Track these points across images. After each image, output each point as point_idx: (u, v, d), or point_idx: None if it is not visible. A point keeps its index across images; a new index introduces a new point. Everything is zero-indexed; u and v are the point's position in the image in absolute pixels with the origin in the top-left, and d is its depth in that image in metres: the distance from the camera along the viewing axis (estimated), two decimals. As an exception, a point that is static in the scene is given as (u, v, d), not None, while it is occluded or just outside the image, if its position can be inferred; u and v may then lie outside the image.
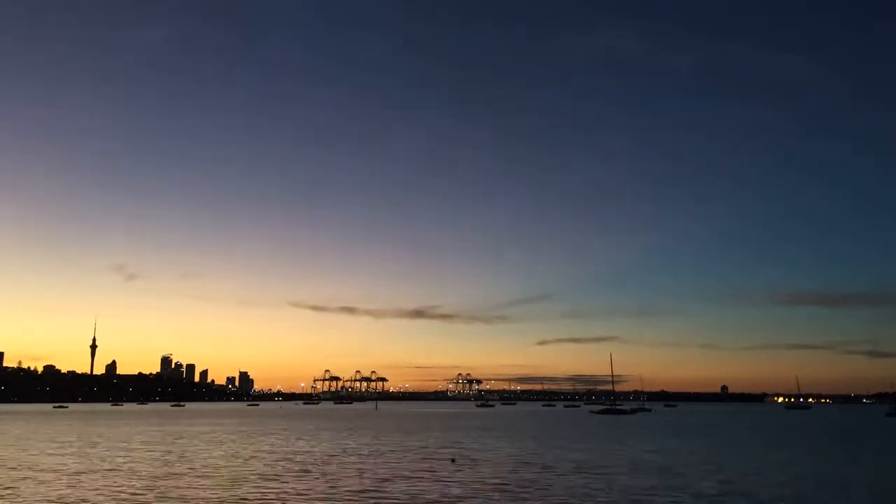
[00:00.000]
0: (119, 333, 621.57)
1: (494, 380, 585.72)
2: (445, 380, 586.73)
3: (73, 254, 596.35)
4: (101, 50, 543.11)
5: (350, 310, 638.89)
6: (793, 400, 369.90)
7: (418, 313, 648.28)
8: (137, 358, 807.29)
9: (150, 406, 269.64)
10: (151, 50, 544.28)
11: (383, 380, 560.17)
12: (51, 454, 44.86)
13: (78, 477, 32.25)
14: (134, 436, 66.65)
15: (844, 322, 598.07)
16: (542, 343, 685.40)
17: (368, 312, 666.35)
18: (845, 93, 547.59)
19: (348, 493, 27.16)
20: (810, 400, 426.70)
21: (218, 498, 25.88)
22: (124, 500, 25.54)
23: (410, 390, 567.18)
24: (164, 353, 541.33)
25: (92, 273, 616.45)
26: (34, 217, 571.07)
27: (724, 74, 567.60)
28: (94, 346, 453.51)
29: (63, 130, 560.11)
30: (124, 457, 43.00)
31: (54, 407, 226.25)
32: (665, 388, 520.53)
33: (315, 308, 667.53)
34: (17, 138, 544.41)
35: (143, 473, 33.60)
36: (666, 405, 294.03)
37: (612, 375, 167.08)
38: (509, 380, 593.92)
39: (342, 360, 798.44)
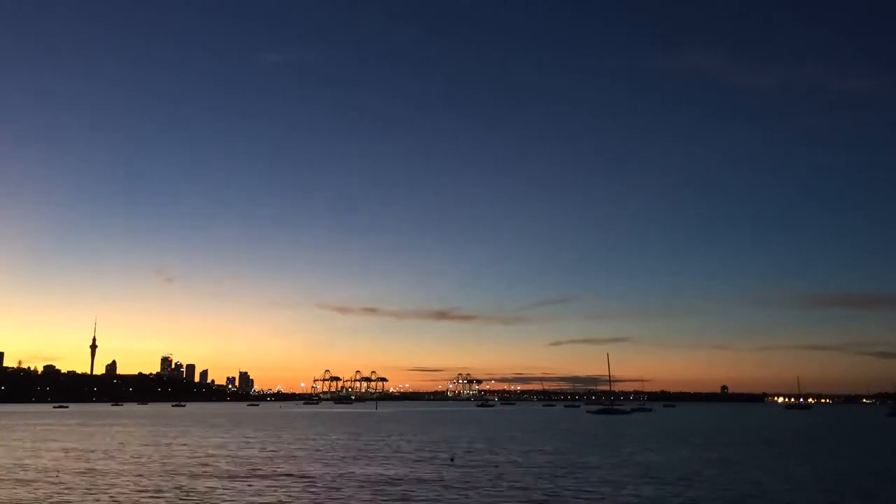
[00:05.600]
0: (155, 334, 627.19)
1: (495, 380, 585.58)
2: (446, 380, 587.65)
3: (77, 254, 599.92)
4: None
5: (372, 310, 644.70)
6: (792, 400, 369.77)
7: (441, 314, 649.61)
8: (137, 358, 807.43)
9: (150, 406, 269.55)
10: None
11: (383, 380, 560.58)
12: None
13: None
14: None
15: (857, 323, 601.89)
16: (554, 344, 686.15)
17: (390, 314, 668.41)
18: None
19: None
20: (810, 400, 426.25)
21: None
22: None
23: (410, 390, 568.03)
24: (166, 353, 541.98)
25: (104, 274, 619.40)
26: (40, 219, 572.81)
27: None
28: (94, 346, 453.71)
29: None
30: None
31: (54, 407, 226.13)
32: (667, 388, 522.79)
33: (339, 309, 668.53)
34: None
35: None
36: (665, 405, 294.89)
37: (610, 376, 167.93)
38: (509, 380, 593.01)
39: (345, 360, 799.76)
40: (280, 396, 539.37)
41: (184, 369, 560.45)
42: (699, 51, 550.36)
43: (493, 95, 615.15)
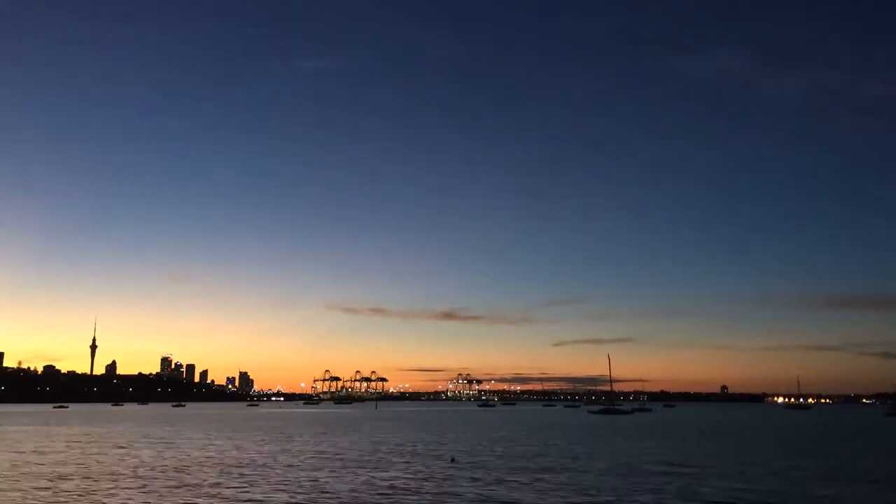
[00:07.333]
0: (155, 334, 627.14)
1: (494, 380, 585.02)
2: (447, 380, 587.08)
3: (77, 254, 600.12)
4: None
5: (378, 311, 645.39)
6: (792, 400, 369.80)
7: (447, 315, 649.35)
8: (137, 358, 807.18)
9: (151, 406, 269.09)
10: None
11: (383, 380, 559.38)
12: None
13: None
14: None
15: (858, 324, 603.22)
16: (557, 345, 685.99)
17: (397, 314, 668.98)
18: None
19: None
20: (810, 400, 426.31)
21: None
22: None
23: (410, 390, 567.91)
24: (165, 353, 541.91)
25: (105, 274, 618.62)
26: (40, 219, 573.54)
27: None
28: (94, 346, 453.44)
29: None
30: None
31: (54, 407, 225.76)
32: (667, 389, 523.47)
33: (345, 310, 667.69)
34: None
35: None
36: (665, 405, 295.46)
37: (611, 376, 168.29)
38: (508, 380, 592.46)
39: (346, 360, 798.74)
40: (280, 397, 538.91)
41: (184, 369, 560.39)
42: (716, 54, 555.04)
43: (501, 98, 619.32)
